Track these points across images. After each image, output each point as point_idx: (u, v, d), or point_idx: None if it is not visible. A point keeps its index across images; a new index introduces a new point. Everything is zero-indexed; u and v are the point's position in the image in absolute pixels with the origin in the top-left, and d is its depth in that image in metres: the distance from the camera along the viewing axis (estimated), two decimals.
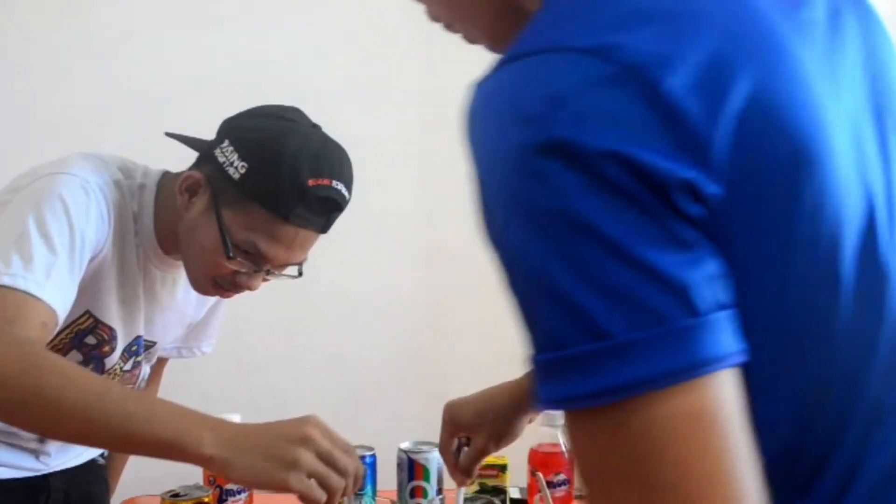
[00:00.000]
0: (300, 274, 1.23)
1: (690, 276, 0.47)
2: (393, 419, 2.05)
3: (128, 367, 1.25)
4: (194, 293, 1.26)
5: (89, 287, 1.10)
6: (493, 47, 0.68)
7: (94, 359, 1.18)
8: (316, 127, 1.18)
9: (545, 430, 1.25)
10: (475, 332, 2.14)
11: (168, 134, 1.19)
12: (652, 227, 0.47)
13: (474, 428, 1.11)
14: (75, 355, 1.16)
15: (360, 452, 1.22)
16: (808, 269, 0.51)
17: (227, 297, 1.23)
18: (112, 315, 1.17)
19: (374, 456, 1.24)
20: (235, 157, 1.11)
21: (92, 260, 1.08)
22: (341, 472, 0.93)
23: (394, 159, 2.14)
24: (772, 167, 0.49)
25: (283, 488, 0.91)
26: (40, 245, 0.98)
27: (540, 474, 1.15)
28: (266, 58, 2.06)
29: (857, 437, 0.53)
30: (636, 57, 0.48)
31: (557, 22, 0.53)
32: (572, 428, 0.50)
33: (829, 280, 0.51)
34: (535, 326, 0.51)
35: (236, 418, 1.22)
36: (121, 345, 1.20)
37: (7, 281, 0.94)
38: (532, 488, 1.26)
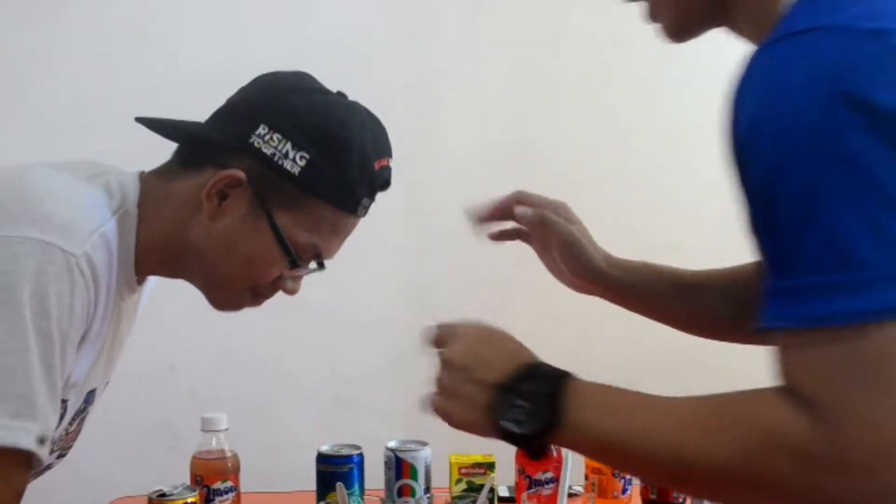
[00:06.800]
0: (322, 266, 1.04)
1: None
2: (379, 419, 2.05)
3: (73, 427, 1.02)
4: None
5: None
6: (676, 30, 0.79)
7: None
8: (344, 96, 1.02)
9: None
10: None
11: (140, 120, 0.99)
12: None
13: (560, 210, 1.01)
14: None
15: (347, 452, 1.23)
16: None
17: (256, 305, 1.06)
18: (66, 388, 0.92)
19: (361, 455, 1.24)
20: (288, 146, 0.93)
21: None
22: None
23: None
24: None
25: None
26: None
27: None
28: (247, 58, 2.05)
29: None
30: None
31: (836, 5, 0.64)
32: (814, 346, 0.60)
33: None
34: (796, 254, 0.61)
35: (223, 418, 1.22)
36: (70, 412, 0.98)
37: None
38: (520, 486, 1.26)
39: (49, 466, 1.02)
